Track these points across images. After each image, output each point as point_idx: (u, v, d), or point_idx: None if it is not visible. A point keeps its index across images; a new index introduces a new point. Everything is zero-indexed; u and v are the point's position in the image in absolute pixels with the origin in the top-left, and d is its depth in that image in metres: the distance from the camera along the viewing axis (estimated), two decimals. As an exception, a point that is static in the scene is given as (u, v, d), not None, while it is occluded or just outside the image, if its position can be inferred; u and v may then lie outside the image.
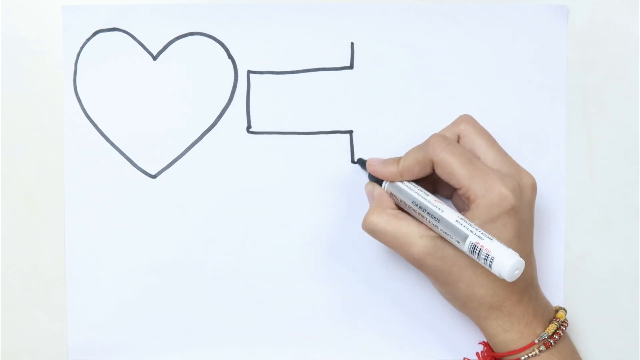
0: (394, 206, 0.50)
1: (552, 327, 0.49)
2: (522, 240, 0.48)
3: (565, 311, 0.50)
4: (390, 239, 0.48)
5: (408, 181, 0.50)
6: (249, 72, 0.54)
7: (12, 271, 0.55)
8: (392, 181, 0.51)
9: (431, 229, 0.48)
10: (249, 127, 0.55)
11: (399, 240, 0.48)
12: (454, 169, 0.47)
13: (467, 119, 0.50)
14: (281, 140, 0.55)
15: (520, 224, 0.47)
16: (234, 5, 0.54)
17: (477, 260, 0.45)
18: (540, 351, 0.48)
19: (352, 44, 0.54)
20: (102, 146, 0.54)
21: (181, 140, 0.54)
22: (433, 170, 0.49)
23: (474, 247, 0.45)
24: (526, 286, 0.49)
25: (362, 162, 0.54)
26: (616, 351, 0.56)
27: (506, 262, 0.43)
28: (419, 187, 0.50)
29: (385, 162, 0.51)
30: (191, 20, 0.54)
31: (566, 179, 0.55)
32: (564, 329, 0.49)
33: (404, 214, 0.49)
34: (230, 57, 0.54)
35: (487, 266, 0.44)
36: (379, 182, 0.52)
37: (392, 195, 0.51)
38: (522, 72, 0.54)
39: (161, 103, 0.54)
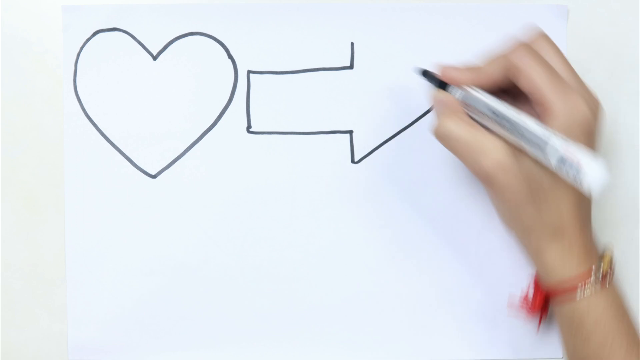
0: (467, 115, 0.47)
1: (606, 263, 0.47)
2: None
3: (612, 252, 0.49)
4: (463, 147, 0.46)
5: (480, 90, 0.47)
6: (249, 72, 0.54)
7: (12, 271, 0.55)
8: (469, 85, 0.47)
9: (508, 142, 0.45)
10: (249, 127, 0.55)
11: (473, 150, 0.46)
12: (536, 75, 0.45)
13: (543, 36, 0.48)
14: (281, 140, 0.55)
15: (589, 142, 0.45)
16: (234, 5, 0.54)
17: (558, 169, 0.42)
18: (595, 290, 0.47)
19: (352, 44, 0.54)
20: (102, 146, 0.54)
21: (181, 140, 0.54)
22: (510, 80, 0.47)
23: (559, 156, 0.42)
24: (588, 213, 0.48)
25: (425, 73, 0.50)
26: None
27: (597, 171, 0.41)
28: (492, 96, 0.47)
29: (463, 68, 0.48)
30: (191, 20, 0.54)
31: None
32: (614, 267, 0.48)
33: (478, 124, 0.46)
34: (230, 57, 0.54)
35: (571, 175, 0.41)
36: (445, 90, 0.49)
37: (464, 105, 0.48)
38: (522, 72, 0.54)
39: (161, 103, 0.54)
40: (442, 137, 0.47)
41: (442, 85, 0.49)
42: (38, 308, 0.55)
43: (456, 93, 0.48)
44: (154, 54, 0.54)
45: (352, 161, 0.55)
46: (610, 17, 0.55)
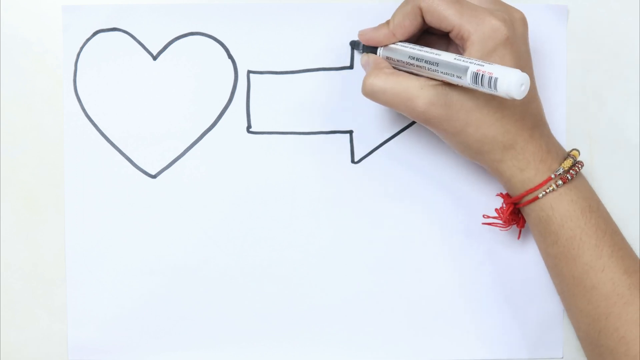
0: (391, 67, 0.49)
1: (567, 163, 0.49)
2: (525, 71, 0.47)
3: (579, 152, 0.50)
4: (391, 97, 0.48)
5: (401, 42, 0.50)
6: (249, 72, 0.54)
7: (12, 271, 0.55)
8: (385, 44, 0.50)
9: (431, 79, 0.47)
10: (249, 127, 0.55)
11: (400, 96, 0.47)
12: (442, 10, 0.47)
13: None
14: (281, 140, 0.55)
15: (517, 55, 0.47)
16: (234, 5, 0.54)
17: (481, 88, 0.44)
18: (557, 186, 0.48)
19: (352, 43, 0.54)
20: (102, 146, 0.54)
21: (181, 140, 0.54)
22: (423, 21, 0.48)
23: (476, 76, 0.44)
24: (536, 122, 0.49)
25: (354, 43, 0.53)
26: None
27: (511, 78, 0.42)
28: (413, 44, 0.49)
29: (376, 27, 0.51)
30: (191, 20, 0.54)
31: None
32: (579, 167, 0.49)
33: (401, 72, 0.48)
34: (230, 57, 0.54)
35: (492, 90, 0.43)
36: (374, 52, 0.51)
37: (388, 59, 0.50)
38: (522, 72, 0.54)
39: (161, 103, 0.54)
40: (370, 93, 0.48)
41: (371, 50, 0.51)
42: (38, 308, 0.55)
43: (380, 51, 0.51)
44: (154, 54, 0.54)
45: (352, 161, 0.55)
46: (610, 17, 0.55)
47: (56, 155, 0.55)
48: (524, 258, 0.55)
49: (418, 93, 0.47)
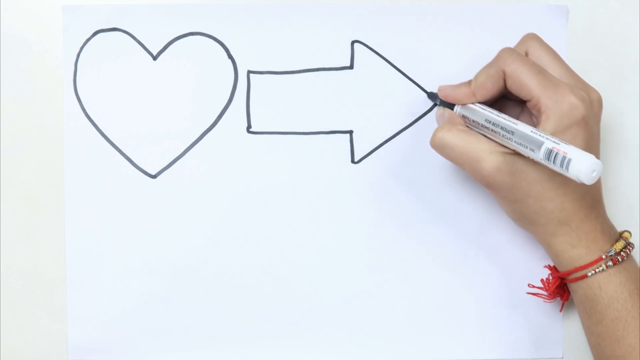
0: (465, 125, 0.50)
1: (619, 245, 0.49)
2: (594, 154, 0.47)
3: (631, 234, 0.51)
4: (459, 154, 0.48)
5: (480, 103, 0.50)
6: (249, 72, 0.54)
7: (12, 271, 0.55)
8: (464, 103, 0.50)
9: (502, 146, 0.48)
10: (249, 127, 0.55)
11: (468, 156, 0.48)
12: (525, 79, 0.47)
13: (533, 36, 0.50)
14: (281, 140, 0.55)
15: (589, 136, 0.47)
16: (234, 5, 0.54)
17: (551, 165, 0.44)
18: (607, 267, 0.48)
19: (352, 43, 0.54)
20: (102, 146, 0.54)
21: (181, 140, 0.54)
22: (504, 85, 0.49)
23: (549, 152, 0.44)
24: (594, 202, 0.49)
25: (432, 95, 0.54)
26: None
27: (584, 162, 0.42)
28: (491, 108, 0.50)
29: (457, 85, 0.51)
30: (191, 20, 0.54)
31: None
32: (630, 249, 0.49)
33: (473, 132, 0.49)
34: (230, 57, 0.54)
35: (562, 169, 0.43)
36: (450, 108, 0.52)
37: (463, 117, 0.51)
38: (522, 72, 0.54)
39: (161, 103, 0.54)
40: (439, 146, 0.49)
41: (448, 105, 0.52)
42: (38, 308, 0.55)
43: (457, 108, 0.51)
44: (154, 54, 0.54)
45: (352, 161, 0.55)
46: (610, 17, 0.55)
47: (56, 155, 0.55)
48: (525, 258, 0.55)
49: (486, 157, 0.47)
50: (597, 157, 0.49)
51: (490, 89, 0.49)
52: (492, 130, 0.48)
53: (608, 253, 0.48)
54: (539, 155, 0.45)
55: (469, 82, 0.51)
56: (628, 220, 0.55)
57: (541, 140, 0.45)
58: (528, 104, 0.48)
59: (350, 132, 0.55)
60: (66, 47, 0.54)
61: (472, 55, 0.54)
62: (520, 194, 0.48)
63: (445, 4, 0.54)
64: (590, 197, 0.49)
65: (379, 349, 0.55)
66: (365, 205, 0.55)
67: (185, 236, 0.55)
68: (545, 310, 0.55)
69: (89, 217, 0.54)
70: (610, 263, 0.48)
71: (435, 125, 0.52)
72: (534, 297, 0.55)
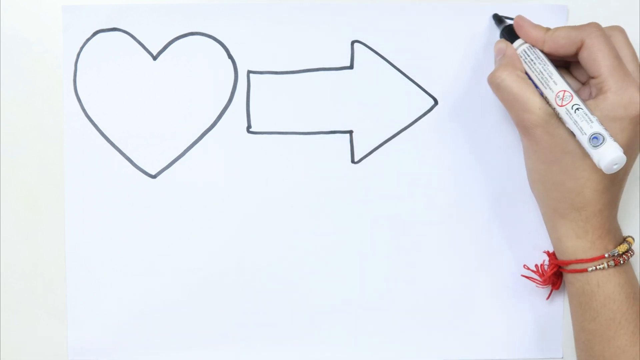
0: (524, 71, 0.50)
1: (623, 247, 0.49)
2: (628, 154, 0.47)
3: (634, 240, 0.51)
4: (511, 99, 0.48)
5: (543, 53, 0.50)
6: (249, 72, 0.54)
7: (12, 271, 0.55)
8: (531, 44, 0.50)
9: (549, 105, 0.48)
10: (249, 127, 0.55)
11: (519, 103, 0.48)
12: (600, 56, 0.48)
13: (620, 29, 0.50)
14: (281, 140, 0.55)
15: (634, 136, 0.47)
16: (234, 5, 0.54)
17: (581, 137, 0.45)
18: (608, 266, 0.49)
19: (352, 43, 0.54)
20: (102, 146, 0.54)
21: (181, 140, 0.54)
22: (576, 53, 0.49)
23: (591, 134, 0.45)
24: (611, 201, 0.49)
25: (498, 18, 0.53)
26: None
27: (610, 151, 0.44)
28: (552, 63, 0.50)
29: (534, 25, 0.51)
30: (191, 20, 0.54)
31: (566, 179, 0.55)
32: (631, 254, 0.50)
33: (529, 81, 0.49)
34: (230, 57, 0.54)
35: (591, 147, 0.44)
36: (511, 41, 0.51)
37: (524, 61, 0.50)
38: (522, 72, 0.55)
39: (161, 103, 0.54)
40: (494, 85, 0.49)
41: (509, 38, 0.52)
42: (38, 308, 0.55)
43: (519, 48, 0.51)
44: (154, 54, 0.54)
45: (352, 161, 0.55)
46: (610, 17, 0.55)
47: (56, 155, 0.55)
48: (525, 258, 0.55)
49: (535, 110, 0.48)
50: (630, 164, 0.49)
51: (561, 48, 0.49)
52: (547, 85, 0.48)
53: (611, 253, 0.49)
54: (585, 130, 0.45)
55: (546, 29, 0.50)
56: (628, 220, 0.55)
57: (591, 119, 0.46)
58: (592, 80, 0.48)
59: (350, 132, 0.55)
60: (66, 47, 0.54)
61: (472, 55, 0.54)
62: (551, 156, 0.48)
63: (445, 4, 0.54)
64: (610, 195, 0.49)
65: (379, 349, 0.55)
66: (365, 205, 0.55)
67: (185, 236, 0.55)
68: (545, 310, 0.55)
69: (89, 217, 0.54)
70: (611, 263, 0.49)
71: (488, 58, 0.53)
72: (534, 297, 0.55)
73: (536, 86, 0.49)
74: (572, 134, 0.47)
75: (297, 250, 0.55)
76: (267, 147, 0.55)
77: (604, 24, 0.55)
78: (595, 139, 0.45)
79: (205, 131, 0.54)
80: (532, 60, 0.50)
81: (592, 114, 0.46)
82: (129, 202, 0.54)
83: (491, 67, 0.54)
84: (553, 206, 0.49)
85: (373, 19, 0.54)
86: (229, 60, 0.54)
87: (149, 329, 0.55)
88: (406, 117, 0.55)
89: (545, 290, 0.55)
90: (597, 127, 0.45)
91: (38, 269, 0.55)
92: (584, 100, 0.47)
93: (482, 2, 0.54)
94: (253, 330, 0.55)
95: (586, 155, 0.47)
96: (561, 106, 0.47)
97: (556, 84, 0.48)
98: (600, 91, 0.48)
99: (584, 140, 0.45)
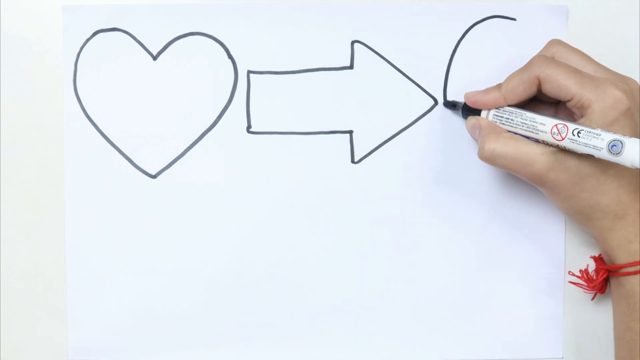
0: (507, 131, 0.50)
1: None
2: None
3: None
4: (511, 162, 0.49)
5: (510, 107, 0.50)
6: (249, 72, 0.54)
7: (12, 271, 0.55)
8: (492, 108, 0.51)
9: (548, 145, 0.48)
10: (249, 127, 0.55)
11: (520, 161, 0.48)
12: (562, 80, 0.48)
13: (557, 42, 0.51)
14: (281, 140, 0.55)
15: (635, 125, 0.48)
16: (234, 5, 0.54)
17: (606, 155, 0.45)
18: None
19: (352, 43, 0.54)
20: (102, 146, 0.54)
21: (181, 140, 0.54)
22: (537, 89, 0.49)
23: (609, 142, 0.45)
24: None
25: (450, 104, 0.54)
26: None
27: (635, 146, 0.43)
28: (524, 109, 0.50)
29: (485, 90, 0.51)
30: (191, 20, 0.54)
31: (566, 179, 0.55)
32: None
33: (518, 136, 0.49)
34: (230, 57, 0.54)
35: (617, 157, 0.44)
36: (476, 115, 0.52)
37: (501, 124, 0.50)
38: (522, 72, 0.54)
39: (161, 103, 0.54)
40: (487, 158, 0.49)
41: (470, 111, 0.52)
42: (38, 308, 0.55)
43: (488, 115, 0.51)
44: (154, 54, 0.54)
45: (352, 161, 0.55)
46: (610, 17, 0.55)
47: (56, 155, 0.55)
48: (525, 258, 0.55)
49: (538, 158, 0.48)
50: None
51: (522, 94, 0.50)
52: (537, 129, 0.48)
53: None
54: (600, 145, 0.45)
55: (498, 86, 0.51)
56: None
57: (596, 132, 0.45)
58: (569, 104, 0.48)
59: (350, 132, 0.55)
60: (66, 47, 0.54)
61: (472, 55, 0.54)
62: (575, 189, 0.48)
63: (445, 3, 0.54)
64: None
65: (378, 349, 0.55)
66: (365, 205, 0.55)
67: (184, 236, 0.55)
68: (545, 310, 0.55)
69: (89, 217, 0.54)
70: None
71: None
72: (534, 296, 0.55)
73: (527, 138, 0.49)
74: (582, 158, 0.47)
75: (297, 250, 0.55)
76: (267, 147, 0.55)
77: (604, 24, 0.55)
78: (614, 146, 0.44)
79: (205, 131, 0.54)
80: (507, 118, 0.50)
81: (594, 128, 0.46)
82: (129, 202, 0.54)
83: (491, 67, 0.54)
84: (599, 225, 0.49)
85: (373, 19, 0.54)
86: (229, 60, 0.54)
87: (149, 329, 0.55)
88: (406, 117, 0.55)
89: (546, 292, 0.55)
90: (608, 136, 0.45)
91: (38, 269, 0.55)
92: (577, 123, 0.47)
93: (482, 2, 0.54)
94: (253, 330, 0.55)
95: (606, 168, 0.48)
96: (563, 139, 0.47)
97: (544, 124, 0.48)
98: (583, 107, 0.48)
99: (603, 154, 0.45)
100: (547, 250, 0.55)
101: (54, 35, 0.54)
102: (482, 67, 0.54)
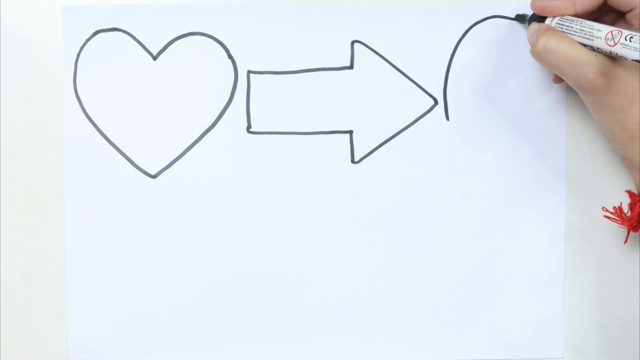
0: (563, 33, 0.49)
1: None
2: None
3: None
4: (562, 58, 0.47)
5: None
6: (249, 72, 0.54)
7: (12, 271, 0.55)
8: (562, 14, 0.50)
9: (602, 54, 0.47)
10: (249, 127, 0.55)
11: (572, 60, 0.47)
12: None
13: None
14: (281, 140, 0.55)
15: None
16: (234, 5, 0.54)
17: None
18: None
19: (352, 43, 0.54)
20: (102, 146, 0.54)
21: (181, 140, 0.54)
22: (604, 2, 0.49)
23: None
24: None
25: (521, 17, 0.53)
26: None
27: None
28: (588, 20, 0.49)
29: None
30: (191, 20, 0.54)
31: (566, 179, 0.55)
32: None
33: (574, 40, 0.48)
34: (230, 57, 0.54)
35: None
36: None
37: (562, 29, 0.50)
38: (522, 72, 0.55)
39: (161, 103, 0.54)
40: (542, 51, 0.48)
41: (540, 20, 0.51)
42: (38, 308, 0.55)
43: (552, 21, 0.50)
44: (154, 54, 0.54)
45: (352, 161, 0.55)
46: (610, 17, 0.55)
47: (56, 155, 0.55)
48: (525, 258, 0.55)
49: (591, 60, 0.47)
50: None
51: (592, 3, 0.49)
52: (595, 37, 0.48)
53: None
54: None
55: None
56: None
57: None
58: (629, 15, 0.48)
59: (350, 132, 0.55)
60: (66, 47, 0.54)
61: (472, 55, 0.54)
62: (625, 100, 0.47)
63: (445, 3, 0.54)
64: None
65: (378, 348, 0.55)
66: (365, 205, 0.55)
67: (184, 236, 0.55)
68: (545, 310, 0.55)
69: (89, 217, 0.54)
70: None
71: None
72: (534, 296, 0.55)
73: (584, 45, 0.48)
74: (635, 70, 0.47)
75: (297, 250, 0.55)
76: (267, 147, 0.55)
77: (604, 24, 0.55)
78: None
79: (205, 131, 0.54)
80: (568, 25, 0.49)
81: None
82: (129, 202, 0.54)
83: (491, 67, 0.54)
84: None
85: (373, 19, 0.54)
86: (229, 60, 0.54)
87: (149, 329, 0.55)
88: (406, 117, 0.55)
89: (546, 292, 0.55)
90: None
91: (38, 269, 0.55)
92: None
93: (482, 2, 0.54)
94: (253, 330, 0.55)
95: None
96: (615, 45, 0.46)
97: (600, 30, 0.47)
98: None
99: None
100: (547, 250, 0.55)
101: (54, 35, 0.54)
102: (482, 67, 0.54)
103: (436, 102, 0.55)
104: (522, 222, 0.55)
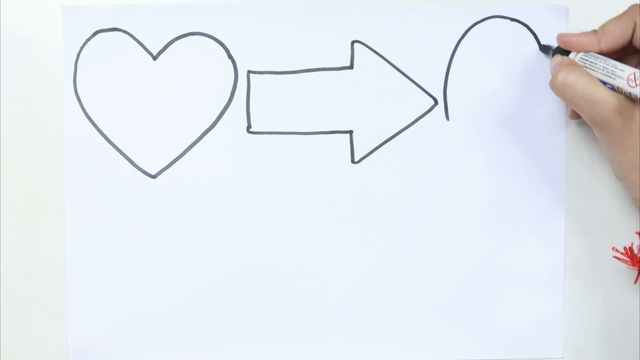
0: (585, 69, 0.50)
1: None
2: None
3: None
4: (580, 94, 0.48)
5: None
6: (249, 72, 0.54)
7: (12, 271, 0.55)
8: (587, 50, 0.50)
9: (621, 93, 0.48)
10: (249, 127, 0.55)
11: (589, 97, 0.48)
12: None
13: None
14: (281, 140, 0.55)
15: None
16: (234, 5, 0.54)
17: None
18: None
19: (352, 43, 0.54)
20: (102, 146, 0.54)
21: (181, 140, 0.54)
22: (631, 37, 0.49)
23: None
24: None
25: (545, 48, 0.54)
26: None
27: None
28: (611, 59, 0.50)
29: (581, 32, 0.51)
30: (191, 20, 0.54)
31: (566, 180, 0.55)
32: None
33: (594, 77, 0.48)
34: (230, 57, 0.54)
35: None
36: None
37: (584, 65, 0.50)
38: (522, 72, 0.54)
39: (161, 103, 0.54)
40: (561, 85, 0.49)
41: (564, 54, 0.51)
42: (38, 308, 0.55)
43: (576, 56, 0.50)
44: (154, 54, 0.54)
45: (352, 161, 0.55)
46: (610, 17, 0.55)
47: (56, 155, 0.55)
48: (524, 258, 0.55)
49: (607, 99, 0.47)
50: None
51: (618, 38, 0.49)
52: (617, 76, 0.48)
53: None
54: None
55: (594, 30, 0.50)
56: (627, 218, 0.55)
57: None
58: None
59: (350, 132, 0.55)
60: (66, 47, 0.54)
61: (472, 55, 0.54)
62: (637, 140, 0.48)
63: (445, 3, 0.54)
64: None
65: (378, 348, 0.55)
66: (365, 205, 0.55)
67: (184, 236, 0.55)
68: (545, 310, 0.55)
69: (89, 217, 0.54)
70: None
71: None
72: (534, 296, 0.55)
73: (605, 83, 0.49)
74: None
75: (297, 250, 0.55)
76: (267, 147, 0.55)
77: (604, 24, 0.55)
78: None
79: (205, 131, 0.54)
80: (592, 62, 0.50)
81: None
82: (129, 202, 0.54)
83: (491, 67, 0.54)
84: None
85: (373, 19, 0.54)
86: (229, 60, 0.54)
87: (149, 329, 0.55)
88: (406, 117, 0.55)
89: (546, 292, 0.55)
90: None
91: (38, 269, 0.55)
92: None
93: (482, 2, 0.54)
94: (253, 330, 0.55)
95: None
96: (636, 86, 0.47)
97: (623, 70, 0.48)
98: None
99: None
100: (547, 250, 0.55)
101: (54, 35, 0.54)
102: (482, 67, 0.54)
103: (436, 102, 0.55)
104: (522, 222, 0.55)
